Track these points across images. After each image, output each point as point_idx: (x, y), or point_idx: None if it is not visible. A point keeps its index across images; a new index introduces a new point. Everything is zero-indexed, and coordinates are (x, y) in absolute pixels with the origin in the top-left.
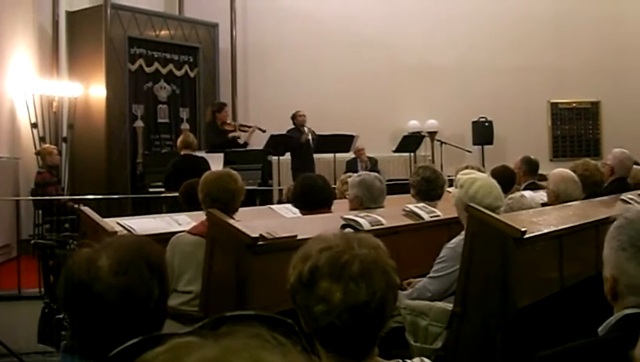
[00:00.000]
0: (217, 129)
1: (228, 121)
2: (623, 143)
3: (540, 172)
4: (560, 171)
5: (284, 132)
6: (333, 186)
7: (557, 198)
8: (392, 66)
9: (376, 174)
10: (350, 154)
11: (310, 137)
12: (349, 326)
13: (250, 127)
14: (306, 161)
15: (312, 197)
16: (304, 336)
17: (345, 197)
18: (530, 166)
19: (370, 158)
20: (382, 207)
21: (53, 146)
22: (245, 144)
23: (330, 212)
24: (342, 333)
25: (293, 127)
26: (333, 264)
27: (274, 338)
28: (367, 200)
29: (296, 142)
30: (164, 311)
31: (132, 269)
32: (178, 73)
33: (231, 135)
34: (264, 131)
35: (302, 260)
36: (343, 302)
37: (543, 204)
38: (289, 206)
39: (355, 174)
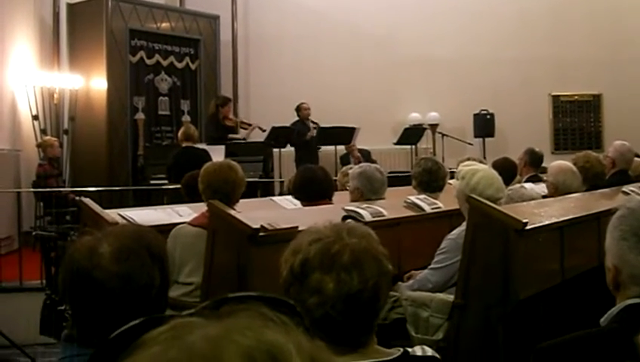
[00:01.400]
0: (218, 123)
1: (230, 117)
2: (625, 136)
3: (542, 165)
4: (558, 163)
5: (285, 124)
6: (335, 178)
7: (556, 190)
8: (393, 59)
9: (377, 166)
10: (344, 150)
11: (315, 133)
12: (344, 316)
13: (250, 124)
14: (309, 153)
15: (313, 189)
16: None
17: (346, 189)
18: (534, 157)
19: (362, 151)
20: (382, 198)
21: (54, 138)
22: (243, 140)
23: (331, 203)
24: (337, 323)
25: (297, 119)
26: (323, 255)
27: (277, 317)
28: (367, 191)
29: (299, 136)
30: (165, 299)
31: (133, 257)
32: (179, 65)
33: (230, 136)
34: (264, 130)
35: (292, 253)
36: (335, 292)
37: (544, 197)
38: (290, 197)
39: (356, 166)
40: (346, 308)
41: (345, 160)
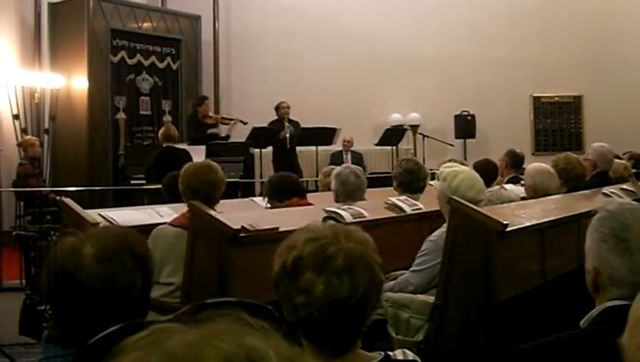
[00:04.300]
0: (198, 123)
1: (210, 114)
2: (605, 137)
3: (523, 166)
4: (534, 165)
5: (266, 124)
6: (315, 179)
7: (535, 192)
8: (374, 59)
9: (354, 168)
10: (335, 147)
11: (288, 134)
12: (329, 320)
13: (232, 119)
14: (286, 153)
15: (285, 186)
16: (286, 325)
17: (327, 190)
18: (515, 159)
19: (355, 153)
20: (361, 200)
21: (35, 138)
22: (227, 137)
23: (305, 200)
24: (321, 326)
25: (276, 118)
26: (317, 256)
27: (256, 322)
28: (341, 194)
29: (275, 137)
30: (148, 301)
31: (116, 258)
32: (160, 65)
33: (210, 130)
34: (246, 123)
35: (287, 249)
36: (324, 295)
37: (523, 199)
38: None
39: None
40: (332, 313)
41: (336, 157)
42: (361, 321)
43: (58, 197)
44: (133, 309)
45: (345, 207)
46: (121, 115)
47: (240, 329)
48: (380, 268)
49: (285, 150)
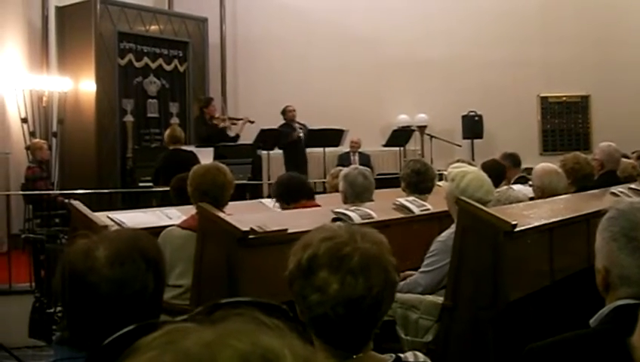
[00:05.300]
0: (206, 123)
1: (216, 115)
2: (613, 137)
3: (529, 166)
4: (542, 166)
5: (273, 126)
6: (323, 180)
7: (543, 193)
8: (381, 61)
9: (362, 169)
10: (342, 149)
11: (302, 134)
12: (343, 319)
13: (240, 119)
14: (297, 155)
15: (292, 187)
16: (300, 325)
17: (335, 191)
18: (514, 159)
19: (362, 155)
20: (369, 201)
21: (43, 141)
22: (237, 136)
23: (313, 201)
24: (335, 325)
25: (284, 122)
26: (332, 255)
27: (271, 322)
28: (350, 195)
29: (285, 138)
30: (160, 305)
31: (128, 262)
32: (168, 68)
33: (221, 124)
34: (253, 122)
35: (302, 248)
36: (338, 293)
37: (531, 199)
38: None
39: (345, 168)
40: (346, 312)
41: (343, 158)
42: (375, 322)
43: (67, 200)
44: (146, 312)
45: (353, 208)
46: (129, 118)
47: (255, 328)
48: (394, 270)
49: (296, 151)
